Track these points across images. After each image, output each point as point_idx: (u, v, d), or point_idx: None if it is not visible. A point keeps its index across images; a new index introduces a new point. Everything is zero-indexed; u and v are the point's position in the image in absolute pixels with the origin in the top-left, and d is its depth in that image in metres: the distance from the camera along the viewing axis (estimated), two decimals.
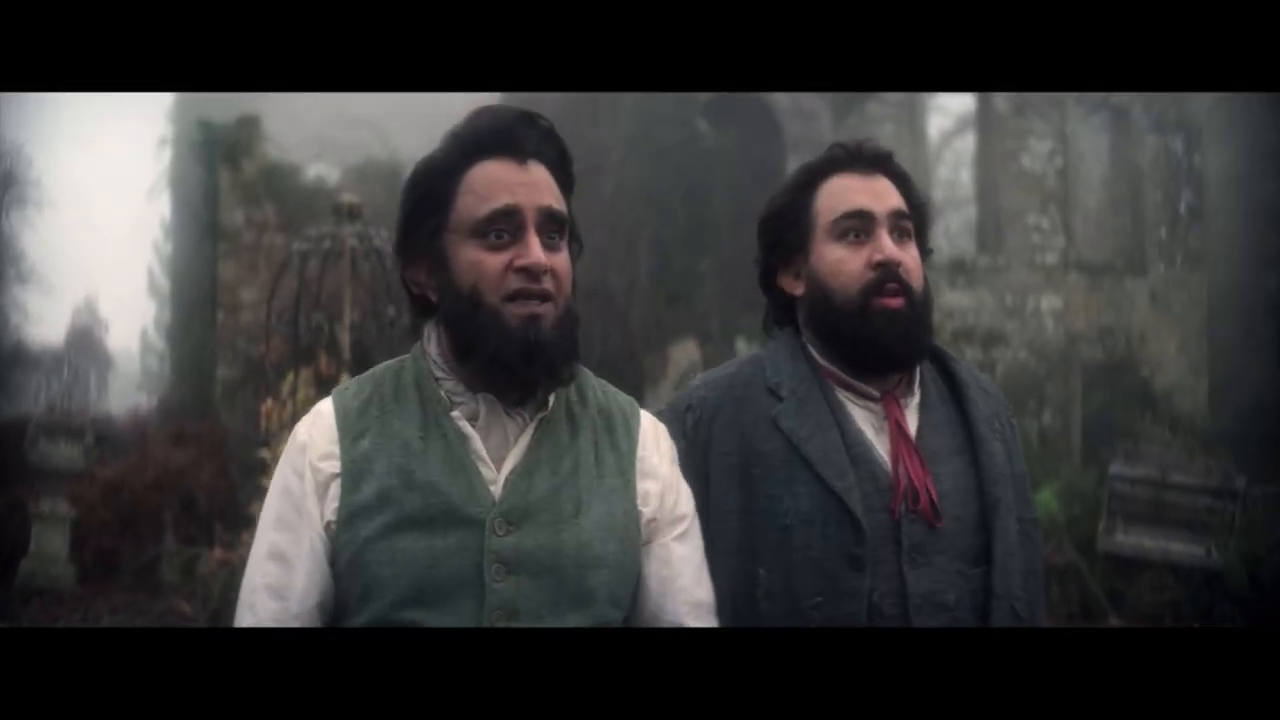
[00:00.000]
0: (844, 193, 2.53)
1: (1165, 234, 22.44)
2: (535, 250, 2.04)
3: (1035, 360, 19.01)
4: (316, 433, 2.15)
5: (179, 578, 10.61)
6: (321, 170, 18.89)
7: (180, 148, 20.34)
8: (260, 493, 9.06)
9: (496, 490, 2.06)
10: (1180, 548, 9.46)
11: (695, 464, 2.41)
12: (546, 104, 2.27)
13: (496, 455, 2.10)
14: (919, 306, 2.49)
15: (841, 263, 2.49)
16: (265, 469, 9.10)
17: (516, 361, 2.02)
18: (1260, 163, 23.33)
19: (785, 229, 2.62)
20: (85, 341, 24.84)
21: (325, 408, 2.19)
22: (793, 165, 17.33)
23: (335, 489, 2.09)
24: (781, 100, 19.52)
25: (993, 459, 2.50)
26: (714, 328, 17.58)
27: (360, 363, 9.25)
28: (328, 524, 2.09)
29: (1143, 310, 21.93)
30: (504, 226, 2.05)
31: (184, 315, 19.53)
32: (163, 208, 21.85)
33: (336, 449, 2.11)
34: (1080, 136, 21.68)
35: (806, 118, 19.55)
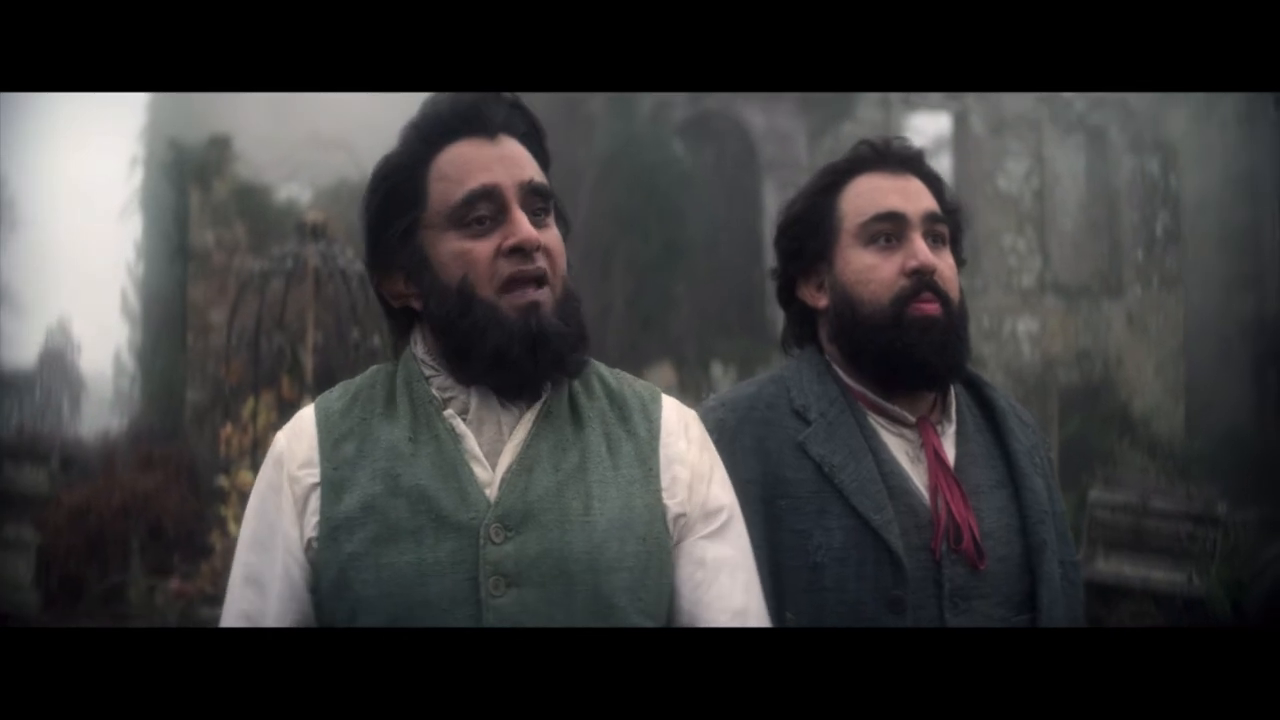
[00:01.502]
0: (873, 193, 2.30)
1: (1142, 256, 22.52)
2: (524, 226, 1.84)
3: (1012, 384, 18.94)
4: (295, 440, 1.93)
5: (143, 606, 10.44)
6: (293, 191, 18.78)
7: (151, 168, 20.23)
8: (220, 522, 8.93)
9: (492, 492, 1.82)
10: (1161, 575, 9.38)
11: None
12: None
13: (492, 452, 1.86)
14: (955, 318, 2.27)
15: (871, 270, 2.27)
16: (224, 496, 8.94)
17: (522, 357, 1.82)
18: (1235, 184, 23.43)
19: (807, 235, 2.37)
20: (58, 363, 24.62)
21: (306, 413, 1.96)
22: (768, 187, 17.39)
23: (315, 501, 1.86)
24: (757, 122, 19.50)
25: (1036, 495, 2.28)
26: (689, 351, 17.51)
27: (324, 386, 9.03)
28: (308, 542, 1.85)
29: (1120, 333, 21.96)
30: (485, 209, 1.85)
31: (154, 337, 19.39)
32: (135, 228, 21.72)
33: (316, 455, 1.89)
34: (1056, 158, 21.74)
35: (782, 139, 19.52)
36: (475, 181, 1.86)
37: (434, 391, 1.90)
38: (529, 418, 1.89)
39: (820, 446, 2.21)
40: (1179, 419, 21.94)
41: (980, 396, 2.41)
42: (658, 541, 1.87)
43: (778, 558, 2.14)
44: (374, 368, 2.02)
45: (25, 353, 23.88)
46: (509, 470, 1.84)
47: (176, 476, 13.39)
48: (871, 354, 2.26)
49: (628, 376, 2.04)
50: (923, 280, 2.23)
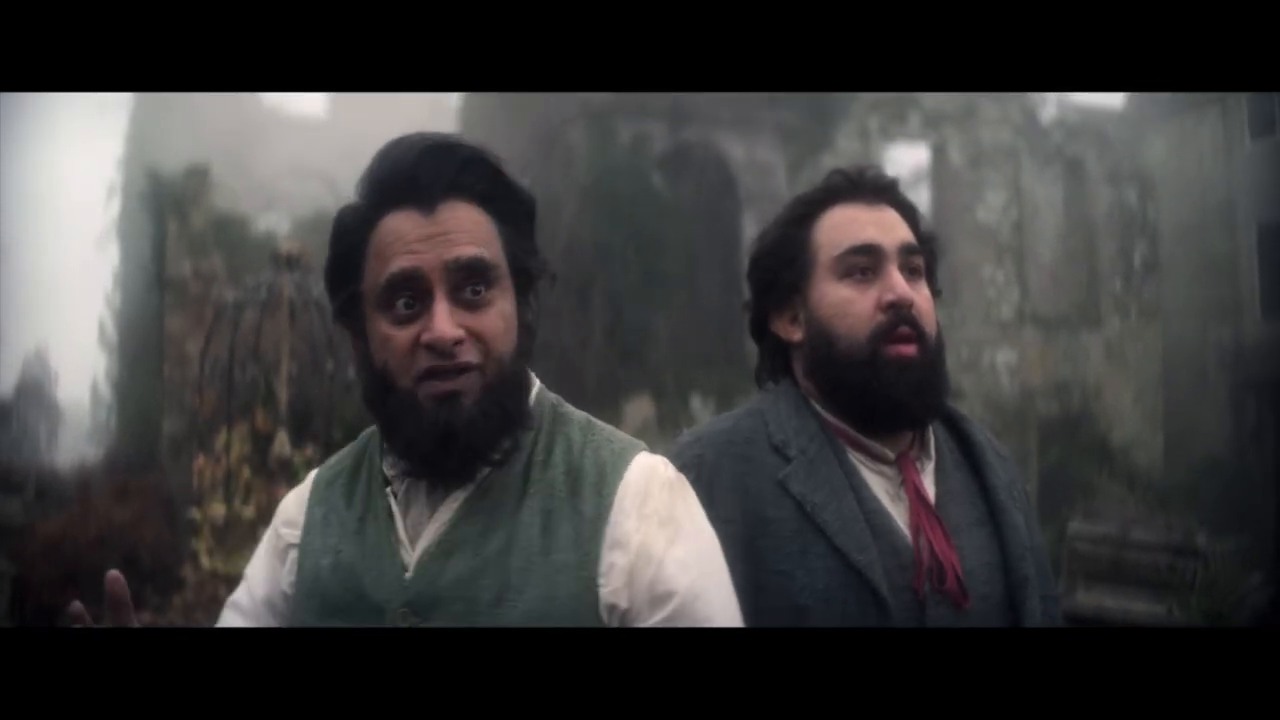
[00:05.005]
0: (848, 225, 2.24)
1: (1120, 286, 22.60)
2: (439, 322, 1.73)
3: (991, 415, 18.96)
4: (292, 498, 1.99)
5: None
6: (271, 221, 18.78)
7: (129, 197, 20.22)
8: (192, 555, 8.85)
9: (410, 576, 1.78)
10: (1142, 607, 9.35)
11: None
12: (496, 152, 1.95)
13: (416, 535, 1.81)
14: (932, 354, 2.22)
15: (847, 304, 2.21)
16: (196, 529, 8.85)
17: (431, 449, 1.74)
18: (1213, 214, 23.57)
19: (780, 267, 2.30)
20: (35, 393, 24.62)
21: (310, 474, 2.02)
22: (747, 219, 17.37)
23: (292, 560, 1.91)
24: (736, 154, 19.54)
25: (1016, 532, 2.23)
26: (668, 383, 17.47)
27: (298, 418, 9.03)
28: (282, 594, 1.92)
29: (1098, 364, 22.02)
30: (408, 294, 1.75)
31: (131, 368, 19.35)
32: (113, 258, 21.72)
33: (301, 518, 1.93)
34: (1035, 189, 21.81)
35: (761, 171, 19.55)
36: (395, 266, 1.75)
37: (384, 468, 1.87)
38: (456, 498, 1.81)
39: (801, 484, 2.14)
40: (1158, 449, 21.99)
41: (957, 431, 2.35)
42: None
43: (759, 599, 2.04)
44: (369, 431, 1.98)
45: (1, 383, 23.86)
46: (425, 554, 1.78)
47: (152, 508, 13.32)
48: (848, 392, 2.20)
49: (603, 436, 1.90)
50: (900, 314, 2.18)
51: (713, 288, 19.17)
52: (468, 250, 1.76)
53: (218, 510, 8.61)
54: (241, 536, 8.40)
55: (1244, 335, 23.26)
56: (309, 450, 8.67)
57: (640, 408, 16.40)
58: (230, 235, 16.86)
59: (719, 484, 2.14)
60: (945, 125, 21.20)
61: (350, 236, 1.82)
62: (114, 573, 1.71)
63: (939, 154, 21.47)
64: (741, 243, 19.16)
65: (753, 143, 19.66)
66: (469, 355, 1.74)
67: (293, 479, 8.44)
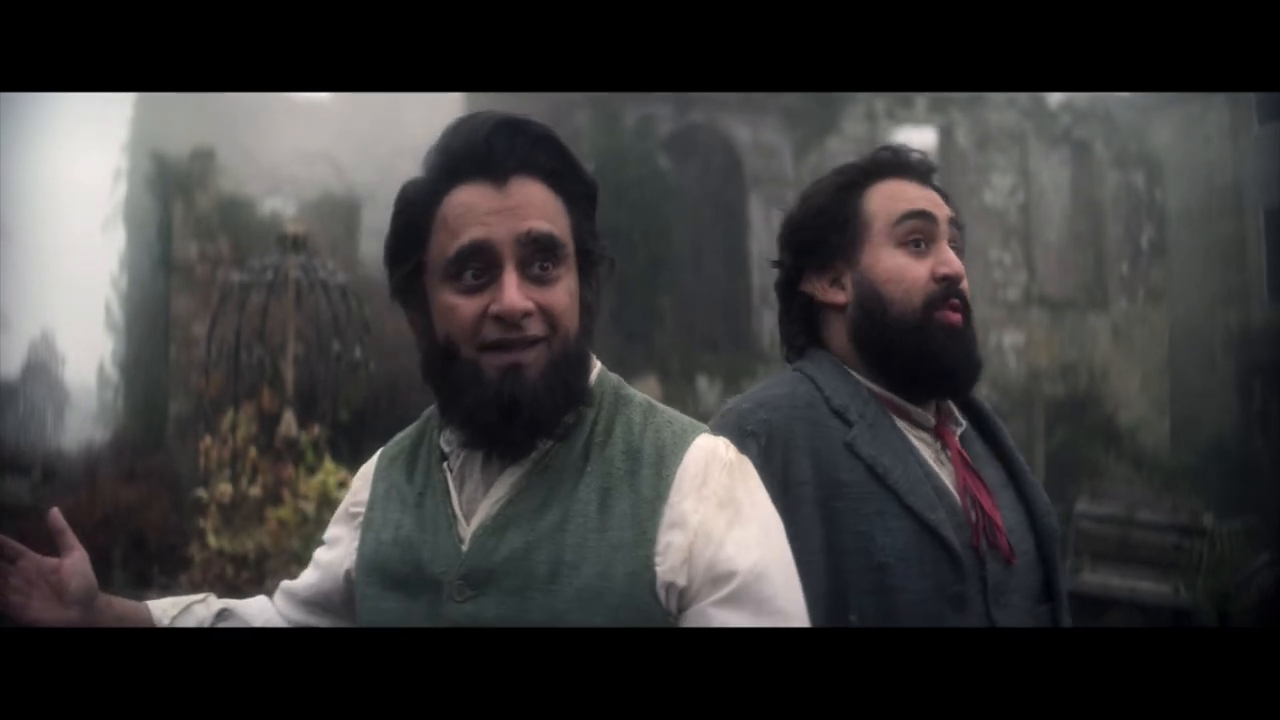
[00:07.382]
0: (902, 195, 2.31)
1: (1127, 269, 22.57)
2: (510, 294, 1.73)
3: (998, 397, 18.95)
4: (360, 477, 2.06)
5: None
6: (277, 204, 18.75)
7: (135, 180, 20.20)
8: (199, 534, 8.86)
9: (466, 549, 1.78)
10: (1148, 586, 9.35)
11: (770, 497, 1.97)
12: None
13: (471, 510, 1.82)
14: (972, 328, 2.31)
15: (903, 270, 2.26)
16: (204, 509, 8.86)
17: (494, 420, 1.73)
18: (1220, 197, 23.53)
19: (830, 229, 2.33)
20: (42, 376, 24.65)
21: (379, 452, 2.07)
22: (753, 201, 17.30)
23: (357, 538, 1.96)
24: (742, 136, 19.52)
25: (1037, 489, 2.33)
26: (674, 365, 17.48)
27: (304, 399, 9.04)
28: (347, 572, 1.99)
29: (1105, 346, 22.00)
30: (478, 265, 1.75)
31: (137, 350, 19.36)
32: (119, 241, 21.71)
33: (366, 495, 1.99)
34: (1042, 172, 21.79)
35: (767, 153, 19.54)
36: (467, 237, 1.75)
37: (441, 443, 1.88)
38: (512, 473, 1.81)
39: (869, 447, 2.18)
40: (1164, 431, 21.99)
41: (963, 400, 2.40)
42: (637, 610, 1.73)
43: (839, 560, 2.10)
44: (430, 409, 1.99)
45: (9, 365, 23.88)
46: (480, 528, 1.78)
47: (159, 489, 13.34)
48: (898, 356, 2.25)
49: (664, 418, 1.88)
50: (951, 287, 2.26)
51: (718, 269, 19.19)
52: (540, 225, 1.76)
53: (224, 490, 8.62)
54: (248, 516, 8.42)
55: (1250, 318, 23.26)
56: (315, 430, 8.66)
57: (646, 389, 16.10)
58: (236, 218, 16.86)
59: (793, 446, 2.17)
60: (952, 108, 21.19)
61: (415, 208, 1.82)
62: (54, 509, 1.91)
63: (946, 137, 21.45)
64: (748, 225, 19.17)
65: (759, 125, 19.65)
66: (536, 328, 1.75)
67: (299, 459, 8.47)
